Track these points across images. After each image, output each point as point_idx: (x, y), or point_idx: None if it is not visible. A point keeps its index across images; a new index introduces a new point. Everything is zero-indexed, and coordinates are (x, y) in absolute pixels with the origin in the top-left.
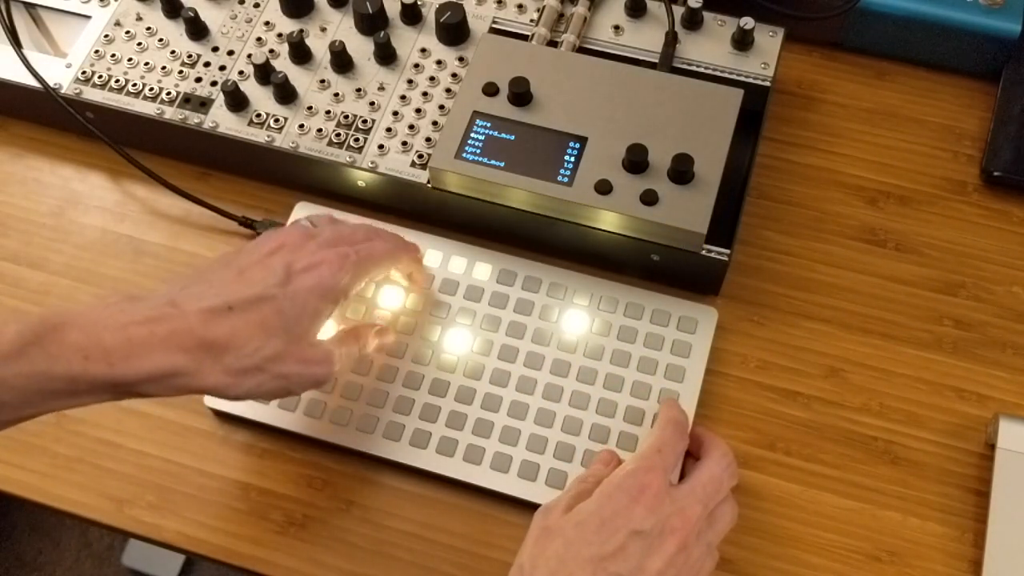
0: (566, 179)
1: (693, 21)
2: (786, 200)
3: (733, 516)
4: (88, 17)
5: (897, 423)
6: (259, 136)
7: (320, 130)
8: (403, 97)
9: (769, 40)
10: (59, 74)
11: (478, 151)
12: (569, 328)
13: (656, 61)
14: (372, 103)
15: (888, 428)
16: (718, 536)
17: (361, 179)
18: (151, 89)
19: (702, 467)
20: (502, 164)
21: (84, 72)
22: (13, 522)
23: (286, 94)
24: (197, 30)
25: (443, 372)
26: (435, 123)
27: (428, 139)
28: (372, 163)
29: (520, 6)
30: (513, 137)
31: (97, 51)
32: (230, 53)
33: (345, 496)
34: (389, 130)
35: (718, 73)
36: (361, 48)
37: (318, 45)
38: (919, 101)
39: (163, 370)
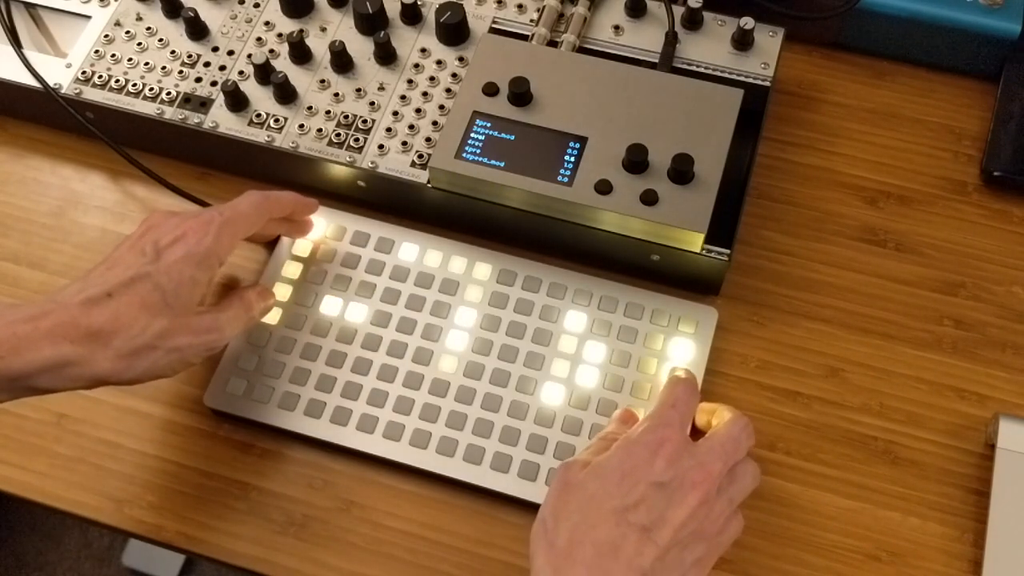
0: (566, 179)
1: (693, 21)
2: (786, 200)
3: (755, 475)
4: (88, 17)
5: (897, 423)
6: (259, 136)
7: (320, 130)
8: (403, 97)
9: (769, 40)
10: (59, 74)
11: (478, 151)
12: (569, 328)
13: (656, 61)
14: (372, 103)
15: (888, 428)
16: (740, 494)
17: (361, 179)
18: (151, 89)
19: (719, 428)
20: (502, 164)
21: (84, 72)
22: (13, 522)
23: (286, 94)
24: (197, 30)
25: (443, 372)
26: (435, 123)
27: (428, 139)
28: (372, 163)
29: (520, 6)
30: (513, 137)
31: (97, 51)
32: (230, 53)
33: (345, 496)
34: (389, 130)
35: (718, 73)
36: (361, 48)
37: (318, 45)
38: (919, 101)
39: (52, 361)
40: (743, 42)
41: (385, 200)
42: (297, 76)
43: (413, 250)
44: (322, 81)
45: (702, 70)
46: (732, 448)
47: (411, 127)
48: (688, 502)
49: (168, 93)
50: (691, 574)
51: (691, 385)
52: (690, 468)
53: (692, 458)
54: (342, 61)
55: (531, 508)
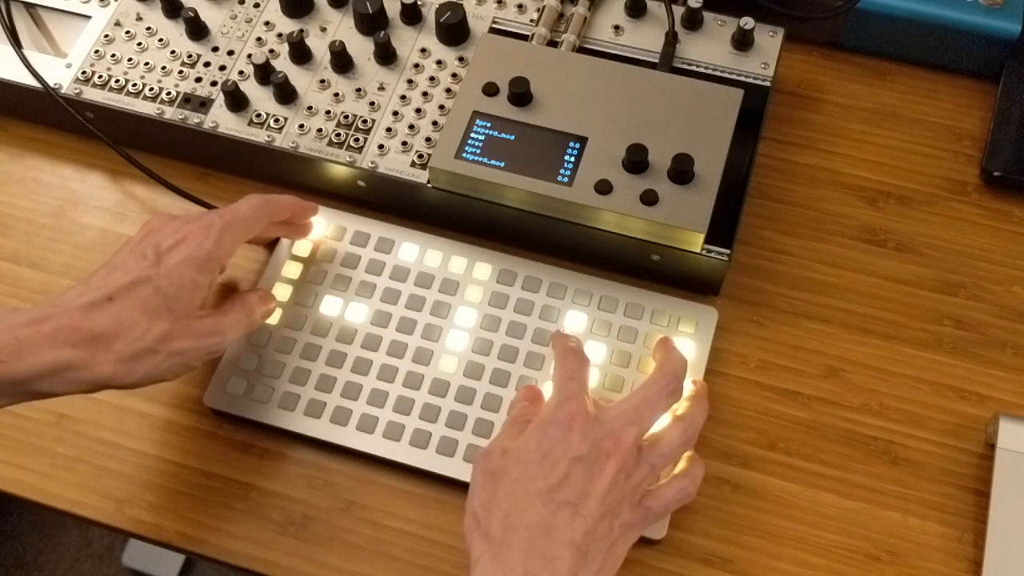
0: (566, 179)
1: (693, 21)
2: (786, 200)
3: (684, 439)
4: (88, 17)
5: (897, 423)
6: (259, 136)
7: (320, 130)
8: (403, 97)
9: (769, 40)
10: (59, 74)
11: (478, 151)
12: (569, 328)
13: (656, 61)
14: (372, 103)
15: (888, 428)
16: (664, 459)
17: (361, 179)
18: (151, 89)
19: (639, 389)
20: (502, 164)
21: (84, 72)
22: (13, 522)
23: (286, 94)
24: (197, 30)
25: (443, 372)
26: (435, 123)
27: (428, 139)
28: (372, 163)
29: (520, 6)
30: (513, 137)
31: (97, 51)
32: (230, 53)
33: (345, 496)
34: (389, 130)
35: (718, 73)
36: (361, 48)
37: (318, 45)
38: (919, 101)
39: (54, 364)
40: (743, 42)
41: (385, 200)
42: (297, 76)
43: (413, 250)
44: (322, 81)
45: (702, 70)
46: (647, 411)
47: (411, 127)
48: (606, 472)
49: (168, 93)
50: (620, 542)
51: (577, 352)
52: (603, 438)
53: (603, 427)
54: (342, 61)
55: None
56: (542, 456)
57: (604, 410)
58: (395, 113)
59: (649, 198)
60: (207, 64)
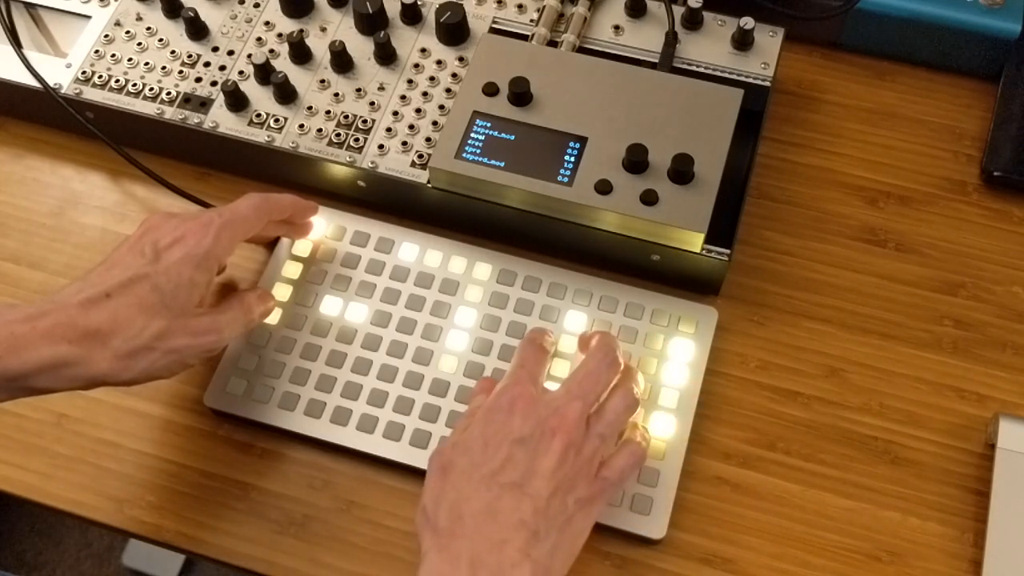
0: (566, 179)
1: (693, 21)
2: (786, 200)
3: (627, 404)
4: (88, 17)
5: (897, 423)
6: (259, 136)
7: (320, 130)
8: (403, 97)
9: (769, 40)
10: (59, 74)
11: (478, 151)
12: (569, 328)
13: (656, 61)
14: (372, 103)
15: (888, 428)
16: (612, 427)
17: (361, 179)
18: (151, 89)
19: (578, 366)
20: (502, 164)
21: (84, 72)
22: (13, 522)
23: (286, 94)
24: (197, 30)
25: (443, 372)
26: (435, 123)
27: (428, 139)
28: (372, 163)
29: (520, 6)
30: (513, 137)
31: (97, 51)
32: (230, 53)
33: (345, 496)
34: (389, 130)
35: (718, 73)
36: (361, 48)
37: (318, 45)
38: (919, 101)
39: (50, 361)
40: (743, 42)
41: (385, 200)
42: (297, 76)
43: (413, 250)
44: (322, 81)
45: (702, 70)
46: (590, 385)
47: (411, 127)
48: (553, 449)
49: (168, 93)
50: (578, 516)
51: (535, 344)
52: (547, 416)
53: (547, 406)
54: (342, 61)
55: None
56: (484, 443)
57: (548, 392)
58: (395, 113)
59: (649, 198)
60: (207, 64)
